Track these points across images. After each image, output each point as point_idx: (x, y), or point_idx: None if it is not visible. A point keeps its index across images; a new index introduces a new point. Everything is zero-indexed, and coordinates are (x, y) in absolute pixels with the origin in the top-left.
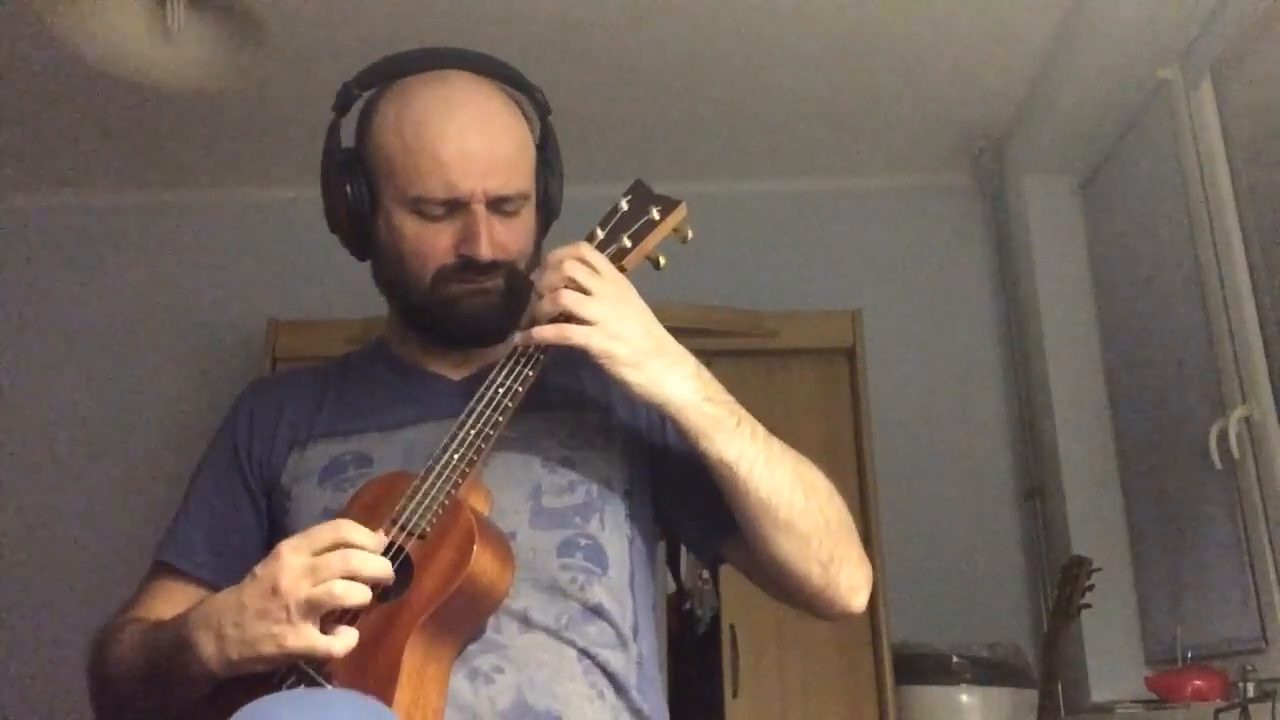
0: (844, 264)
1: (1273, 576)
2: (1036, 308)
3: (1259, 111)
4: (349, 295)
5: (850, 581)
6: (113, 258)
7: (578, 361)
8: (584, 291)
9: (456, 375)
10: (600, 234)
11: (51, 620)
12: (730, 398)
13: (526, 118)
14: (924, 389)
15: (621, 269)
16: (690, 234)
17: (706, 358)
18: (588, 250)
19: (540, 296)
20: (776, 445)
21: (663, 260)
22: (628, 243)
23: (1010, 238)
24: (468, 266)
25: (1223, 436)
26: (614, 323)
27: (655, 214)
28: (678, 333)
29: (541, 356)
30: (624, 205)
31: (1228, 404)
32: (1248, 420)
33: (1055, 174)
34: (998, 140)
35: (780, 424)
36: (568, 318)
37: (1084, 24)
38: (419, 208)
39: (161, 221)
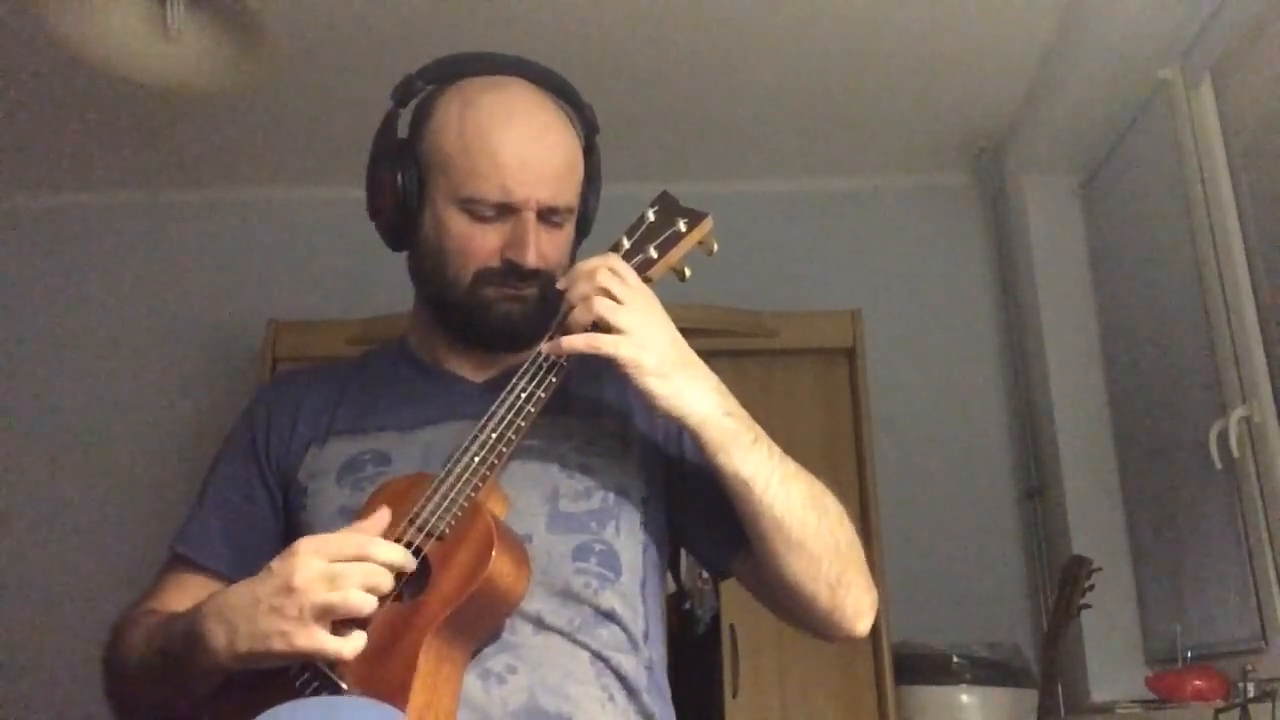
0: (844, 264)
1: (1273, 576)
2: (1036, 308)
3: (1259, 111)
4: (349, 295)
5: (857, 606)
6: (113, 258)
7: (599, 369)
8: (615, 300)
9: (478, 377)
10: (627, 244)
11: (52, 619)
12: (748, 415)
13: (575, 134)
14: (924, 389)
15: (647, 279)
16: (716, 246)
17: (706, 358)
18: (617, 261)
19: (571, 305)
20: (791, 465)
21: (688, 272)
22: (654, 253)
23: (1010, 238)
24: (510, 272)
25: (1223, 436)
26: (642, 332)
27: (682, 226)
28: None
29: (565, 363)
30: (651, 216)
31: (1228, 404)
32: (1248, 420)
33: (1055, 174)
34: (998, 140)
35: (780, 424)
36: (598, 326)
37: (1084, 24)
38: (470, 207)
39: (161, 221)
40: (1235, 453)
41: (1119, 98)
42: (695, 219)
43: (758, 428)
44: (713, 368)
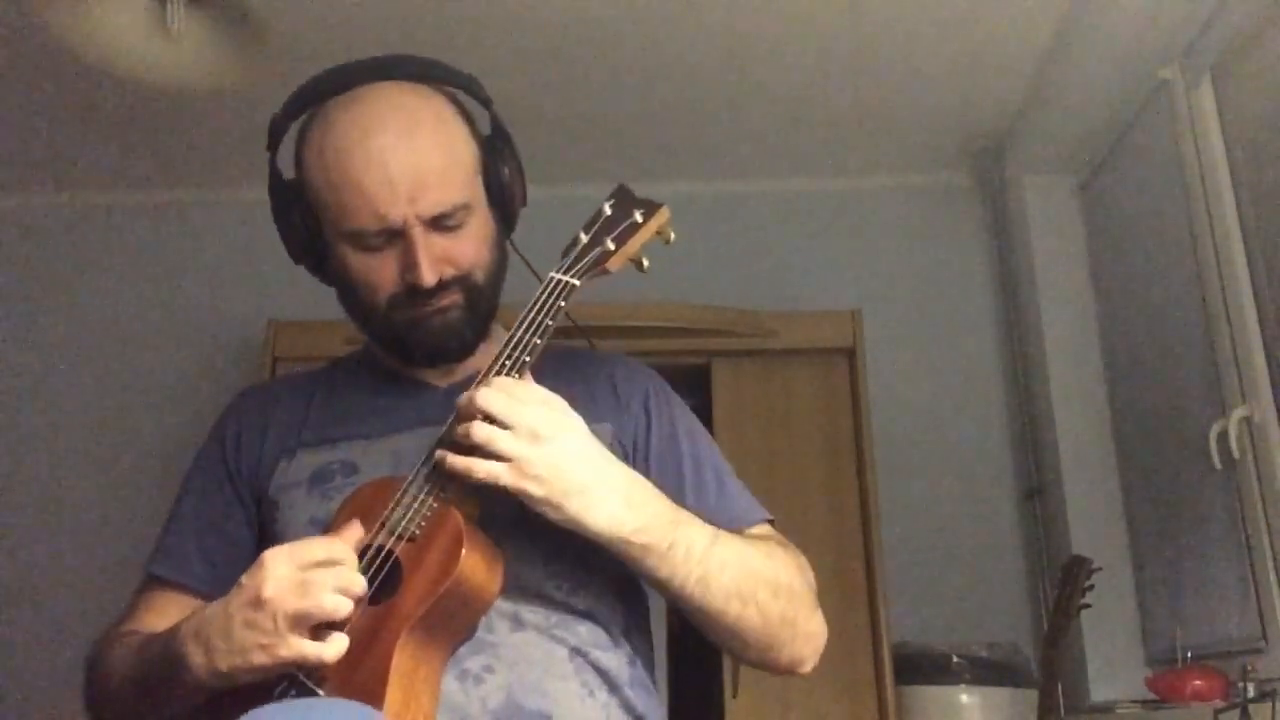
0: (844, 264)
1: (1273, 576)
2: (1036, 308)
3: (1259, 111)
4: None
5: (792, 658)
6: (113, 258)
7: (566, 373)
8: (501, 425)
9: (443, 382)
10: (584, 237)
11: (51, 621)
12: (666, 510)
13: (467, 114)
14: (924, 389)
15: (605, 271)
16: (673, 236)
17: (706, 357)
18: (507, 383)
19: (458, 419)
20: (717, 556)
21: (645, 262)
22: (611, 245)
23: (1010, 238)
24: (415, 292)
25: (1223, 436)
26: (529, 461)
27: (638, 217)
28: (678, 333)
29: (528, 360)
30: (607, 209)
31: (1228, 404)
32: (1248, 420)
33: (1055, 174)
34: (998, 140)
35: (780, 424)
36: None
37: (1084, 24)
38: (357, 241)
39: (161, 221)
40: (1235, 453)
41: (1119, 98)
42: (651, 210)
43: (677, 529)
44: (713, 368)
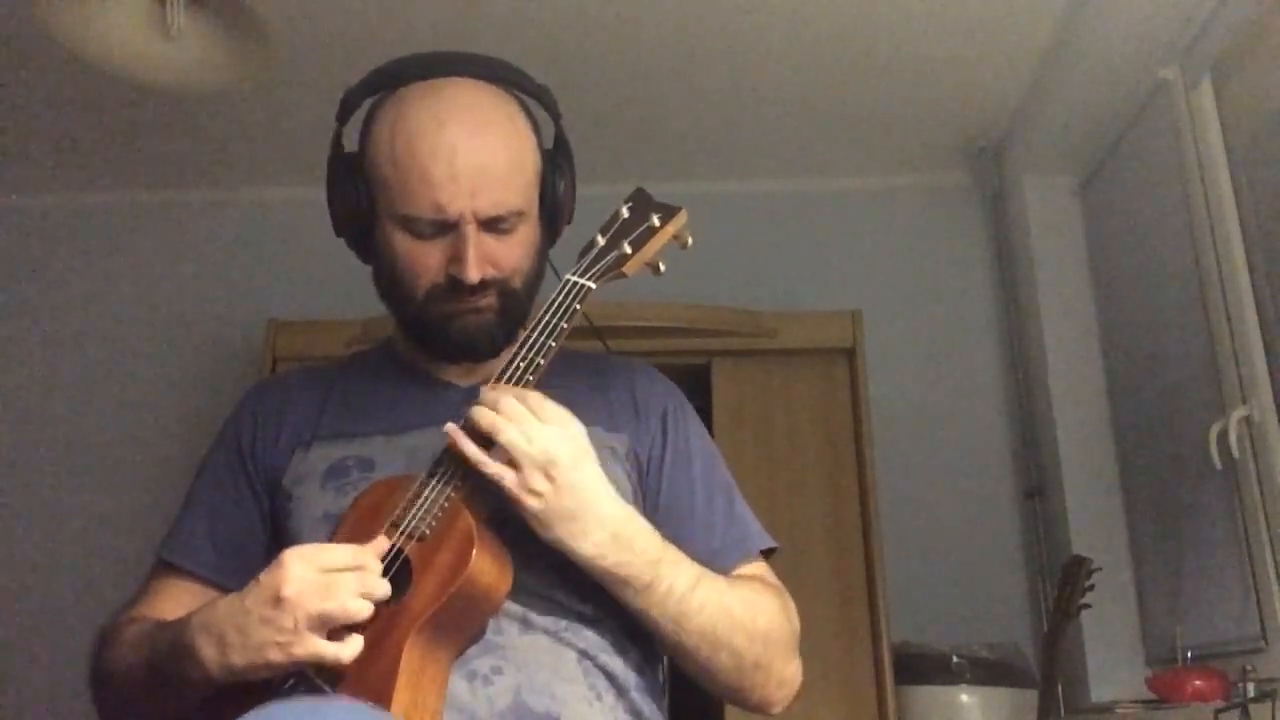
0: (844, 264)
1: (1273, 576)
2: (1036, 308)
3: (1259, 111)
4: (349, 295)
5: (761, 699)
6: (113, 258)
7: (587, 380)
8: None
9: (463, 382)
10: (601, 240)
11: (52, 620)
12: (653, 548)
13: (535, 122)
14: (924, 389)
15: (622, 274)
16: (690, 240)
17: (706, 357)
18: (532, 398)
19: (484, 407)
20: (698, 598)
21: (662, 266)
22: (628, 249)
23: (1010, 238)
24: (456, 287)
25: (1223, 436)
26: (534, 476)
27: (656, 221)
28: (678, 333)
29: (543, 362)
30: (625, 212)
31: (1228, 404)
32: (1248, 420)
33: (1055, 174)
34: (998, 140)
35: (780, 424)
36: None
37: (1084, 24)
38: (409, 226)
39: (161, 221)
40: (1235, 453)
41: (1119, 98)
42: (669, 214)
43: (660, 567)
44: (713, 368)
